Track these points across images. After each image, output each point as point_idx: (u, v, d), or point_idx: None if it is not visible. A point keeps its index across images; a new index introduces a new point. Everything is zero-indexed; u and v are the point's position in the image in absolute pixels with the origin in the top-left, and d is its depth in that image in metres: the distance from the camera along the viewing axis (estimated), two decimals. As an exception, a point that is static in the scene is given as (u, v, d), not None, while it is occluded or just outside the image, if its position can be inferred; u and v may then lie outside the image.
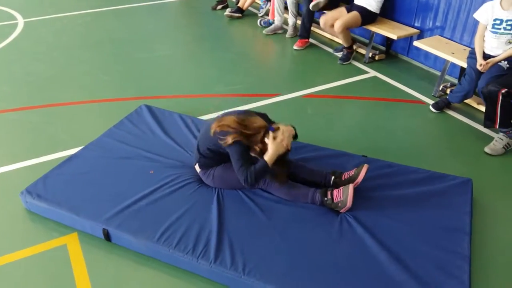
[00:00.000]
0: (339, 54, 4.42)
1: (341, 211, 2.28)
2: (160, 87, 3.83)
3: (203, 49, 4.70)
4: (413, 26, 4.13)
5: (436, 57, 3.88)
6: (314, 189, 2.34)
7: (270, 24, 5.17)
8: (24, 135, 3.18)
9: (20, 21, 5.39)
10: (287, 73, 4.34)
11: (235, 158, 2.20)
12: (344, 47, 4.30)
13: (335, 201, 2.27)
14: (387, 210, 2.33)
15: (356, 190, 2.31)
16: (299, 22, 4.72)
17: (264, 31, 5.07)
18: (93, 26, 5.28)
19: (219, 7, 5.74)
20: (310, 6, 4.30)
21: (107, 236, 2.20)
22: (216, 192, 2.42)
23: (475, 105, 3.47)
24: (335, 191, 2.29)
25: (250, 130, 2.20)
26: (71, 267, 2.11)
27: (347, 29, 4.14)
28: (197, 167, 2.50)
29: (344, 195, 2.24)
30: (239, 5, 5.47)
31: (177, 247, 2.07)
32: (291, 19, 4.84)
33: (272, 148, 2.18)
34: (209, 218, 2.25)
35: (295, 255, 2.05)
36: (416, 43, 3.81)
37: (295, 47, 4.58)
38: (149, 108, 3.22)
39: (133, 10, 5.86)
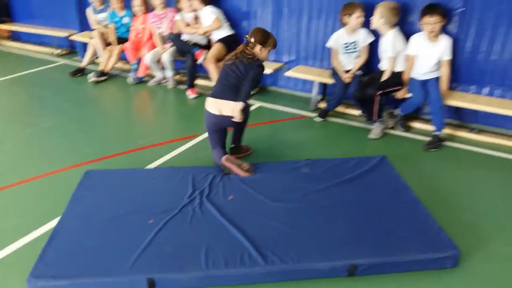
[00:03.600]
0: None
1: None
2: (74, 155, 3.66)
3: (88, 113, 4.62)
4: (276, 61, 5.07)
5: (304, 82, 4.89)
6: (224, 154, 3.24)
7: (141, 80, 5.43)
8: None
9: None
10: (186, 117, 4.69)
11: (255, 79, 3.27)
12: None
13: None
14: (346, 196, 2.88)
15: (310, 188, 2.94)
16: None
17: (148, 84, 5.38)
18: None
19: (79, 74, 5.66)
20: (198, 61, 4.88)
21: (152, 285, 2.21)
22: (219, 211, 2.69)
23: (343, 110, 4.57)
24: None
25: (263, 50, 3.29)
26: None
27: (218, 61, 4.81)
28: (231, 104, 3.17)
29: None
30: (100, 68, 5.53)
31: (227, 265, 2.26)
32: (169, 73, 5.23)
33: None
34: (231, 231, 2.50)
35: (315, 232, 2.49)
36: (288, 73, 4.75)
37: (192, 95, 4.97)
38: (96, 172, 3.16)
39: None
